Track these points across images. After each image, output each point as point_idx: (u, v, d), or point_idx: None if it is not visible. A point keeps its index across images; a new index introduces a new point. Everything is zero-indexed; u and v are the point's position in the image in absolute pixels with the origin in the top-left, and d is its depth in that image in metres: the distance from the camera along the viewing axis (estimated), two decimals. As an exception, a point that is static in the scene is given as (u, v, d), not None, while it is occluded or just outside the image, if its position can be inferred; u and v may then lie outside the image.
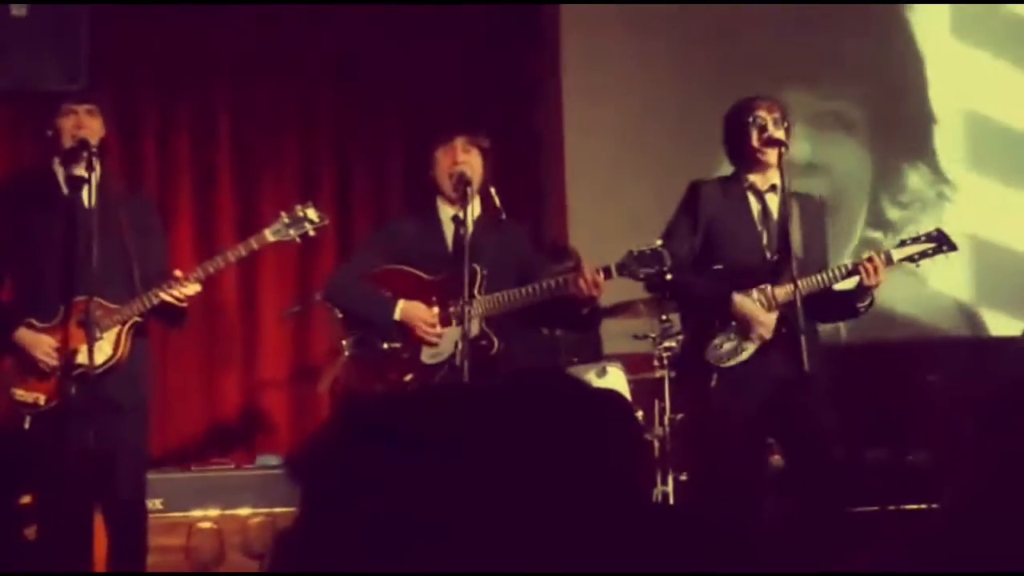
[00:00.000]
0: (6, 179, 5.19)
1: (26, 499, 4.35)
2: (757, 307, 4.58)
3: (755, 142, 4.62)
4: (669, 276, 4.59)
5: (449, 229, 4.82)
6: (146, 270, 4.45)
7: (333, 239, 6.77)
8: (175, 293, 4.40)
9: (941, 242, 4.73)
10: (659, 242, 4.58)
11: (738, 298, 4.58)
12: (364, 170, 7.24)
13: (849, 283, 4.66)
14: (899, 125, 7.44)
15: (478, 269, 4.62)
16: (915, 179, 7.40)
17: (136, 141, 7.02)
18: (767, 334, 4.56)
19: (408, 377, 4.67)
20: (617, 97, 7.28)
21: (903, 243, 4.74)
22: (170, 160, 7.07)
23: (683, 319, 5.04)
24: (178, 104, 7.11)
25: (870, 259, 4.54)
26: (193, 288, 4.44)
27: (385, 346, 4.72)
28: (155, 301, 4.42)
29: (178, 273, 4.45)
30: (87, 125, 4.48)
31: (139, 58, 6.97)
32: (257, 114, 7.13)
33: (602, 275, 4.56)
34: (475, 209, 4.75)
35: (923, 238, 4.73)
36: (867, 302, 4.65)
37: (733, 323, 4.59)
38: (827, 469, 4.58)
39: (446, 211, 4.84)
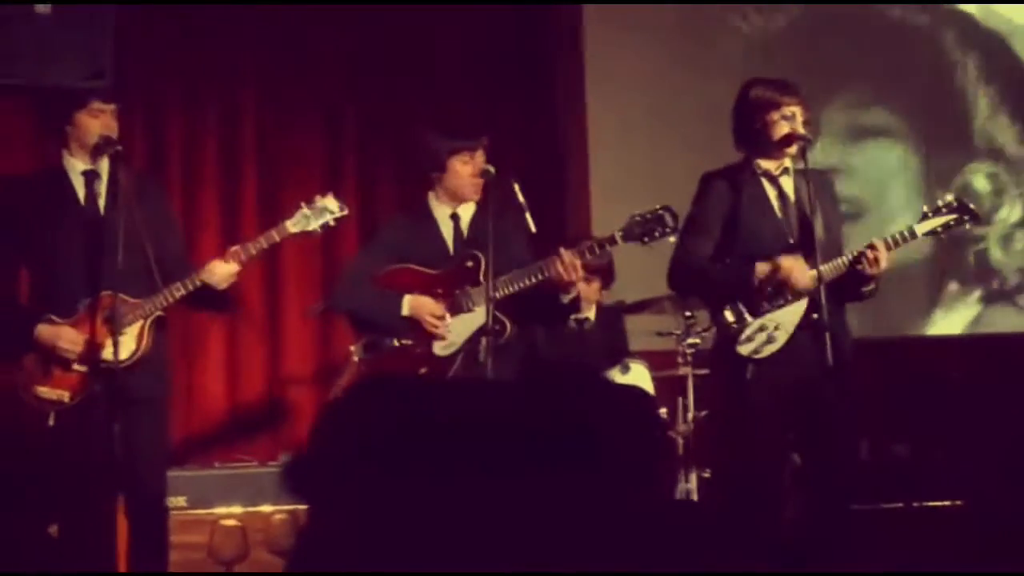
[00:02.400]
0: (18, 177, 5.09)
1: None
2: (780, 259, 4.50)
3: (776, 134, 4.55)
4: (672, 238, 4.55)
5: (447, 227, 4.87)
6: (164, 262, 4.41)
7: (356, 235, 6.77)
8: (209, 279, 4.39)
9: (963, 212, 4.64)
10: (658, 207, 4.56)
11: (760, 264, 4.51)
12: (387, 167, 7.24)
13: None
14: (945, 125, 7.40)
15: (482, 257, 4.63)
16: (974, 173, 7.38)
17: (161, 138, 7.03)
18: (803, 279, 4.47)
19: (422, 371, 4.68)
20: (640, 91, 7.27)
21: (925, 216, 4.65)
22: (195, 157, 7.08)
23: (712, 314, 4.89)
24: (203, 101, 7.12)
25: (871, 247, 4.48)
26: (229, 268, 4.43)
27: (396, 343, 4.72)
28: (177, 295, 4.40)
29: (234, 249, 4.47)
30: (112, 127, 4.47)
31: (164, 56, 6.98)
32: (281, 111, 7.14)
33: (606, 246, 4.62)
34: (471, 206, 4.85)
35: (944, 210, 4.63)
36: (871, 287, 4.59)
37: (763, 304, 4.52)
38: (845, 464, 4.54)
39: (443, 210, 4.88)
